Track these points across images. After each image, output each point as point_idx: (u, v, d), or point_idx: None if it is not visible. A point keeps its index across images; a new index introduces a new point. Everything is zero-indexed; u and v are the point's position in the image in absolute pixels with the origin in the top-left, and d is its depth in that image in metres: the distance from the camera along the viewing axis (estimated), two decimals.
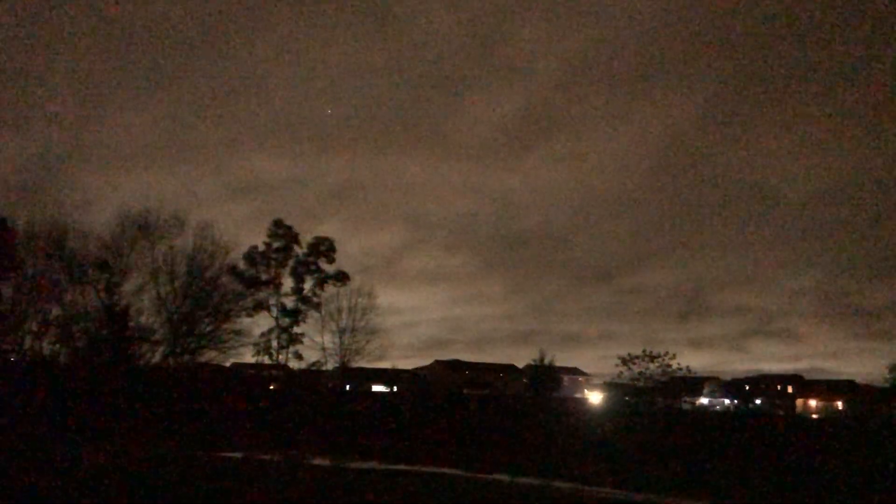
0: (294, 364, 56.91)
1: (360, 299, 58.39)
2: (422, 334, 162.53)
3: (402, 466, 29.81)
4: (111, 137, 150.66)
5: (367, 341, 58.13)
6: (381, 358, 60.09)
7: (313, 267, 57.83)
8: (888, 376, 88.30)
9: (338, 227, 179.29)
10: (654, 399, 49.90)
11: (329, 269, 58.30)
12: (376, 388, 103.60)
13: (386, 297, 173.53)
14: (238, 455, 30.95)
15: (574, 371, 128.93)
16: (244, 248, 53.90)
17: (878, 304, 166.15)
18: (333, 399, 57.01)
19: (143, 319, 43.22)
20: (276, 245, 57.11)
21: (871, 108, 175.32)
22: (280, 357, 56.29)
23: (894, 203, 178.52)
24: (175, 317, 43.43)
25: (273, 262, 56.84)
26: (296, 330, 56.68)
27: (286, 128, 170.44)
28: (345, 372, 61.95)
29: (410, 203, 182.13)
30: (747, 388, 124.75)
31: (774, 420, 77.41)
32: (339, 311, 58.00)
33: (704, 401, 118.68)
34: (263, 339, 55.01)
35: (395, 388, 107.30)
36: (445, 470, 29.08)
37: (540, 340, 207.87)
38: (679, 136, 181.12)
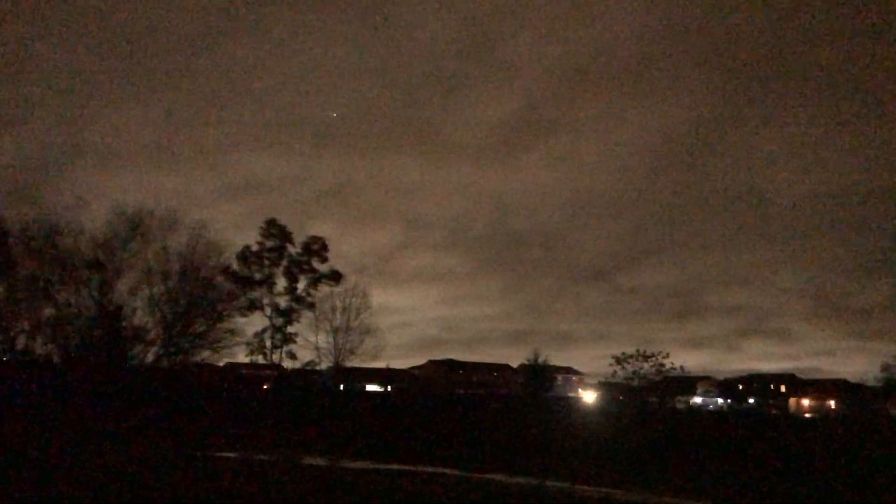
0: (288, 363, 56.87)
1: (354, 299, 58.36)
2: (416, 334, 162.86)
3: (396, 466, 29.79)
4: (106, 137, 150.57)
5: (362, 341, 58.13)
6: (375, 357, 60.18)
7: (306, 266, 57.80)
8: (881, 375, 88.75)
9: (333, 227, 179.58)
10: (648, 398, 50.04)
11: (322, 268, 58.28)
12: (371, 387, 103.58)
13: (381, 296, 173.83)
14: (232, 455, 30.90)
15: (568, 370, 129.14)
16: (238, 248, 53.83)
17: (870, 304, 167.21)
18: (327, 398, 56.94)
19: (136, 319, 43.15)
20: (269, 245, 57.04)
21: (864, 109, 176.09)
22: (274, 356, 56.22)
23: (887, 204, 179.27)
24: (169, 316, 43.37)
25: (267, 262, 56.74)
26: (290, 329, 56.71)
27: (282, 127, 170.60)
28: (339, 371, 61.91)
29: (406, 203, 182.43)
30: (741, 387, 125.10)
31: (768, 419, 77.63)
32: (334, 310, 58.01)
33: (698, 400, 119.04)
34: (257, 339, 55.04)
35: (389, 388, 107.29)
36: (440, 469, 29.07)
37: (534, 340, 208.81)
38: (673, 138, 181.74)
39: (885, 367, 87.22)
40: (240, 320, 49.81)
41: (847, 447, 43.48)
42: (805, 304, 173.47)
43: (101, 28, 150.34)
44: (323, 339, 57.71)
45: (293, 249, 57.45)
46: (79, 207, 42.46)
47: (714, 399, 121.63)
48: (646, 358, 46.42)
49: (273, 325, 55.77)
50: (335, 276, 58.26)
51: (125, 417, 35.05)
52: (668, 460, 34.93)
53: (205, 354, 46.37)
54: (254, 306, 54.04)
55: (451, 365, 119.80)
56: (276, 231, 57.26)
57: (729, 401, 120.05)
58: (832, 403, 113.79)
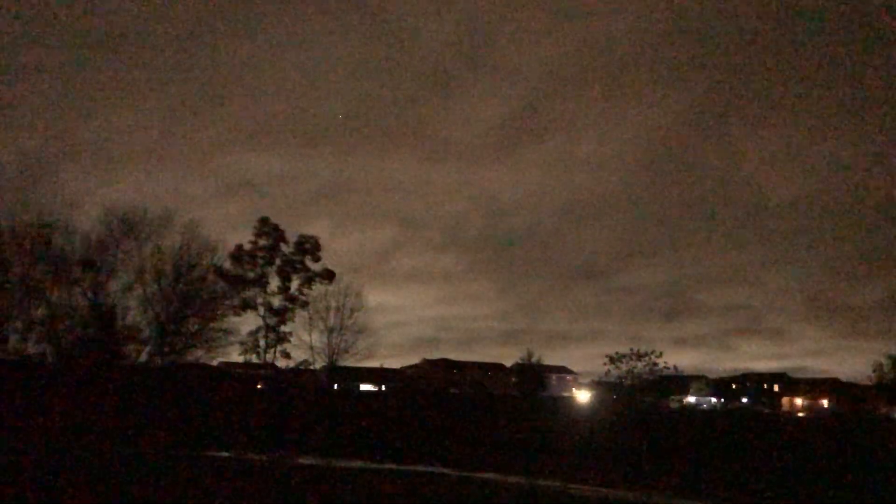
0: (282, 363, 56.67)
1: (348, 298, 58.23)
2: (410, 333, 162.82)
3: (390, 466, 29.82)
4: (100, 136, 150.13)
5: (356, 340, 57.94)
6: (369, 357, 59.86)
7: (299, 266, 57.58)
8: (872, 374, 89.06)
9: (327, 227, 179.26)
10: (642, 398, 50.09)
11: (315, 267, 58.06)
12: (364, 387, 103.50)
13: (375, 296, 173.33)
14: (225, 454, 30.88)
15: (562, 370, 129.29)
16: (232, 247, 53.62)
17: (862, 304, 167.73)
18: (321, 398, 56.87)
19: (129, 318, 43.01)
20: (262, 243, 56.82)
21: (858, 110, 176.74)
22: (268, 356, 56.05)
23: (879, 204, 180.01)
24: (162, 316, 43.24)
25: (260, 261, 56.55)
26: (283, 329, 56.41)
27: (277, 127, 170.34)
28: (333, 371, 61.78)
29: (400, 203, 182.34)
30: (734, 386, 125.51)
31: (761, 418, 77.89)
32: (328, 309, 57.81)
33: (691, 399, 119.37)
34: (251, 338, 54.70)
35: (383, 387, 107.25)
36: (433, 469, 29.11)
37: (528, 339, 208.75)
38: (666, 138, 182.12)
39: (877, 367, 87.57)
40: (233, 319, 49.60)
41: (840, 446, 43.67)
42: (798, 304, 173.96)
43: (96, 27, 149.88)
44: (317, 339, 57.52)
45: (286, 248, 57.21)
46: (72, 207, 42.35)
47: (707, 398, 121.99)
48: (639, 357, 46.36)
49: (266, 325, 55.54)
50: (328, 275, 58.00)
51: (118, 417, 34.98)
52: (662, 459, 35.04)
53: (198, 354, 46.21)
54: (247, 305, 53.78)
55: (445, 364, 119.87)
56: (269, 230, 56.96)
57: (722, 400, 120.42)
58: (825, 403, 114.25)
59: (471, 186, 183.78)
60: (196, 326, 45.27)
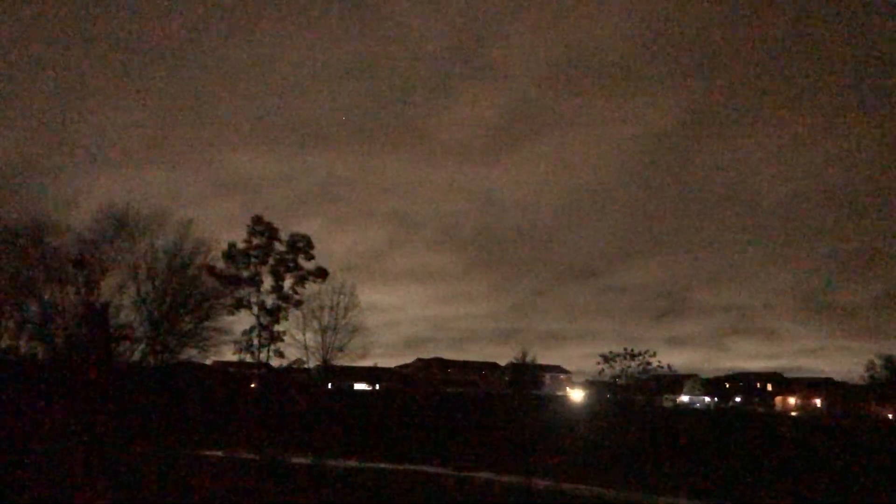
0: (275, 362, 56.54)
1: (342, 297, 58.13)
2: (404, 332, 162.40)
3: (383, 465, 29.80)
4: (94, 135, 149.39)
5: (350, 339, 57.85)
6: (363, 356, 59.66)
7: (292, 264, 57.46)
8: (865, 374, 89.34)
9: (322, 226, 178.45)
10: (635, 397, 50.19)
11: (308, 265, 57.95)
12: (358, 386, 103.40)
13: (369, 295, 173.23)
14: (219, 453, 30.84)
15: (556, 369, 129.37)
16: (225, 246, 53.47)
17: (855, 303, 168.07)
18: (315, 397, 56.81)
19: (122, 317, 42.82)
20: (255, 242, 56.70)
21: (850, 110, 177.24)
22: (261, 355, 55.93)
23: (871, 204, 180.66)
24: (155, 314, 43.06)
25: (253, 260, 56.43)
26: (277, 328, 56.27)
27: (271, 126, 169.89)
28: (327, 370, 61.70)
29: (394, 202, 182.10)
30: (727, 386, 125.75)
31: (754, 418, 78.05)
32: (321, 308, 57.70)
33: (685, 398, 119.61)
34: (245, 338, 54.56)
35: (377, 387, 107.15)
36: (427, 468, 29.11)
37: (522, 339, 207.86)
38: (660, 138, 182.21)
39: (870, 366, 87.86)
40: (227, 319, 49.40)
41: (833, 445, 43.81)
42: (791, 303, 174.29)
43: (91, 26, 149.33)
44: (311, 338, 57.40)
45: (280, 247, 57.10)
46: (65, 205, 42.14)
47: (700, 398, 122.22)
48: (633, 357, 46.53)
49: (260, 324, 55.40)
50: (321, 274, 57.86)
51: (111, 416, 34.85)
52: (656, 458, 35.09)
53: (192, 353, 45.97)
54: (241, 304, 53.66)
55: (438, 363, 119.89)
56: (262, 228, 56.84)
57: (715, 399, 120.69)
58: (818, 402, 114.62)
59: (466, 186, 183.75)
60: (190, 325, 45.08)
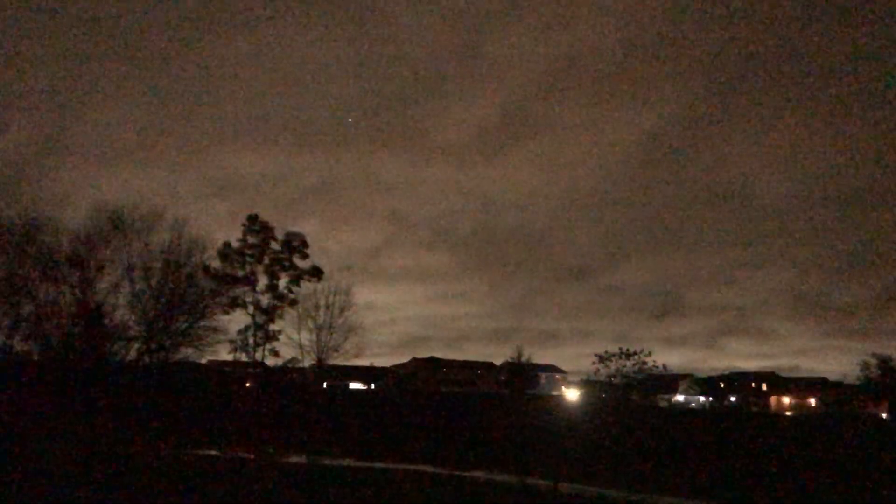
0: (270, 361, 56.50)
1: (337, 296, 58.12)
2: (400, 332, 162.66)
3: (378, 464, 29.78)
4: (89, 133, 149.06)
5: (345, 338, 57.82)
6: (358, 355, 59.51)
7: (287, 263, 57.41)
8: (860, 374, 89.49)
9: (318, 225, 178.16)
10: (630, 396, 50.32)
11: (303, 264, 57.92)
12: (354, 385, 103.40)
13: (365, 294, 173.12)
14: (213, 453, 30.80)
15: (551, 368, 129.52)
16: (220, 245, 53.39)
17: (849, 303, 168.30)
18: (310, 397, 56.78)
19: (117, 316, 42.74)
20: (251, 241, 56.63)
21: (844, 111, 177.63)
22: (256, 354, 55.87)
23: (865, 204, 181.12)
24: (150, 314, 42.99)
25: (248, 259, 56.36)
26: (272, 327, 56.23)
27: (267, 125, 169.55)
28: (322, 369, 61.68)
29: (390, 201, 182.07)
30: (722, 385, 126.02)
31: (749, 417, 78.19)
32: (317, 307, 57.67)
33: (680, 398, 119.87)
34: (240, 337, 54.51)
35: (372, 386, 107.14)
36: (422, 467, 29.10)
37: (518, 338, 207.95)
38: (655, 138, 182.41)
39: (865, 366, 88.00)
40: (222, 318, 49.32)
41: (827, 445, 43.92)
42: (785, 303, 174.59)
43: (85, 24, 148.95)
44: (306, 337, 57.37)
45: (276, 245, 57.07)
46: (60, 204, 42.10)
47: (696, 397, 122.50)
48: (628, 356, 46.75)
49: (255, 323, 55.35)
50: (316, 273, 57.79)
51: (106, 415, 34.78)
52: (652, 457, 35.13)
53: (187, 352, 45.92)
54: (236, 304, 53.59)
55: (434, 363, 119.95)
56: (257, 227, 56.78)
57: (710, 399, 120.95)
58: (812, 402, 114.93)
59: (461, 186, 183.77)
60: (185, 325, 45.02)
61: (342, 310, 58.73)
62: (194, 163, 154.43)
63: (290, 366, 57.84)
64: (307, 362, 59.19)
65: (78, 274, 41.29)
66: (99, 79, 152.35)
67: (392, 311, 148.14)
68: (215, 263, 52.93)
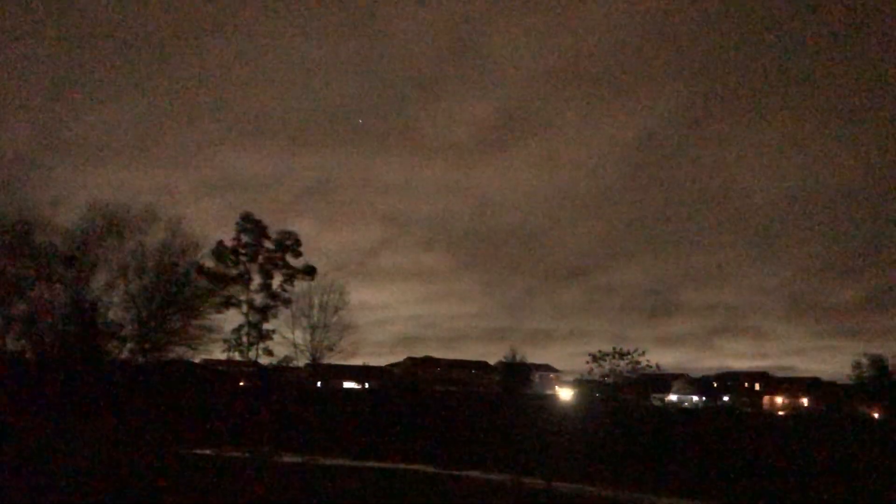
0: (264, 360, 56.46)
1: (331, 295, 58.10)
2: (395, 331, 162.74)
3: (372, 463, 29.80)
4: (84, 133, 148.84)
5: (339, 338, 57.84)
6: (352, 355, 59.86)
7: (280, 262, 57.33)
8: (852, 374, 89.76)
9: (313, 225, 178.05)
10: (624, 396, 50.38)
11: (296, 263, 57.85)
12: (348, 384, 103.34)
13: (360, 294, 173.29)
14: (207, 452, 30.77)
15: (545, 368, 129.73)
16: (214, 244, 53.31)
17: (842, 303, 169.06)
18: (304, 396, 56.78)
19: (111, 315, 42.65)
20: (244, 239, 56.52)
21: (838, 111, 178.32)
22: (251, 353, 55.83)
23: (859, 204, 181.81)
24: (144, 312, 42.93)
25: (242, 257, 56.28)
26: (267, 326, 56.20)
27: (262, 125, 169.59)
28: (316, 368, 61.68)
29: (385, 201, 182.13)
30: (715, 385, 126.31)
31: (742, 417, 78.44)
32: (311, 307, 57.65)
33: (673, 397, 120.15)
34: (234, 336, 54.50)
35: (366, 385, 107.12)
36: (417, 467, 29.13)
37: (512, 338, 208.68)
38: (650, 139, 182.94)
39: (857, 366, 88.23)
40: (216, 316, 49.28)
41: (820, 445, 44.06)
42: (779, 303, 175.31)
43: (81, 24, 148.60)
44: (300, 336, 57.34)
45: (269, 244, 57.02)
46: (55, 203, 41.98)
47: (689, 397, 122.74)
48: (622, 355, 46.70)
49: (249, 322, 55.29)
50: (309, 271, 57.80)
51: (99, 414, 34.71)
52: (646, 457, 35.20)
53: (181, 351, 45.89)
54: (230, 303, 53.54)
55: (428, 362, 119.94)
56: (251, 226, 56.72)
57: (704, 399, 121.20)
58: (805, 401, 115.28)
59: (456, 185, 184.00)
60: (178, 323, 44.97)
61: (336, 309, 58.87)
62: (191, 162, 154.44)
63: (284, 365, 57.84)
64: (301, 361, 59.25)
65: (72, 273, 41.20)
66: (93, 78, 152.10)
67: (387, 311, 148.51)
68: (209, 262, 52.98)
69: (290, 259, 57.71)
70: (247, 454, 30.39)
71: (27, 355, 40.30)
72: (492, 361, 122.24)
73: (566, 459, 33.89)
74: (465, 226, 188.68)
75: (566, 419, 53.52)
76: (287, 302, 57.35)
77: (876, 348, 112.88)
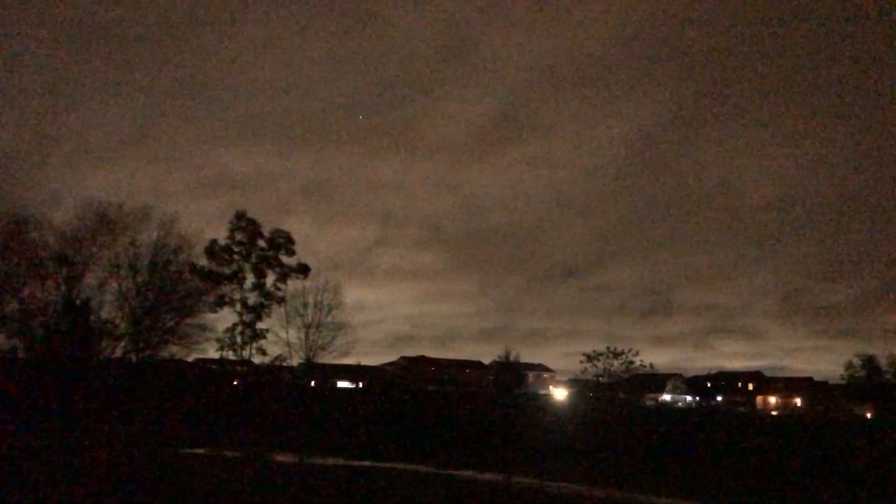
0: (258, 359, 56.25)
1: (326, 295, 57.94)
2: (389, 330, 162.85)
3: (367, 463, 29.75)
4: (77, 131, 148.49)
5: (333, 337, 57.69)
6: (346, 354, 59.64)
7: (273, 261, 57.12)
8: (844, 374, 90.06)
9: (308, 224, 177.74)
10: (618, 395, 50.48)
11: (290, 262, 57.65)
12: (341, 384, 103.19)
13: (354, 293, 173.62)
14: (201, 451, 30.67)
15: (539, 367, 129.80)
16: (207, 243, 53.09)
17: (836, 303, 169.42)
18: (297, 395, 56.63)
19: (104, 314, 42.53)
20: (238, 238, 56.28)
21: (833, 113, 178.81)
22: (244, 352, 55.63)
23: (853, 205, 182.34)
24: (137, 311, 42.83)
25: (236, 256, 56.07)
26: (260, 325, 55.98)
27: (258, 124, 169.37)
28: (310, 367, 61.51)
29: (380, 200, 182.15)
30: (709, 385, 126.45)
31: (736, 417, 78.52)
32: (305, 306, 57.49)
33: (667, 397, 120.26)
34: (227, 335, 54.29)
35: (360, 385, 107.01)
36: (410, 466, 29.09)
37: (506, 337, 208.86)
38: (645, 139, 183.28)
39: (850, 366, 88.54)
40: (209, 315, 49.15)
41: (813, 445, 44.14)
42: (772, 303, 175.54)
43: (76, 22, 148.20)
44: (294, 335, 57.15)
45: (263, 243, 56.81)
46: (49, 201, 41.93)
47: (683, 396, 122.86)
48: (616, 356, 46.90)
49: (242, 321, 55.10)
50: (303, 270, 57.58)
51: (92, 413, 34.59)
52: (640, 457, 35.24)
53: (174, 350, 45.82)
54: (223, 302, 53.33)
55: (422, 362, 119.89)
56: (244, 224, 56.48)
57: (697, 398, 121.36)
58: (798, 401, 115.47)
59: (451, 185, 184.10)
60: (171, 322, 44.91)
61: (330, 308, 58.77)
62: (185, 161, 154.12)
63: (277, 364, 57.68)
64: (295, 360, 59.11)
65: (64, 271, 41.09)
66: (88, 76, 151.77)
67: (381, 310, 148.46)
68: (202, 261, 52.82)
69: (283, 257, 57.50)
70: (240, 453, 30.32)
71: (19, 354, 40.16)
72: (486, 361, 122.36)
73: (559, 459, 33.91)
74: (459, 225, 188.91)
75: (559, 419, 53.55)
76: (281, 301, 57.19)
77: (868, 348, 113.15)
